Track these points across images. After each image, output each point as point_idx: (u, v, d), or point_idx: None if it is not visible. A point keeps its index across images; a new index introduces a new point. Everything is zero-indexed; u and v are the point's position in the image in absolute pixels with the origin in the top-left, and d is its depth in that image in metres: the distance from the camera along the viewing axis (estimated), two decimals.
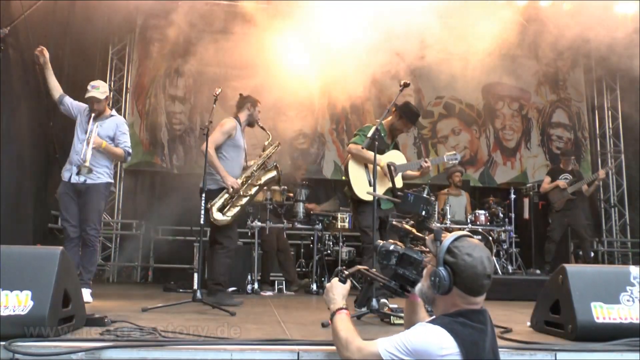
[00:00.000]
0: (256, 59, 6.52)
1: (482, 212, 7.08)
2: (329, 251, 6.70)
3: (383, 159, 4.21)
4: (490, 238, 6.82)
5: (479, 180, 8.80)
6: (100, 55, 7.88)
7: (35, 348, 2.17)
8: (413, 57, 6.23)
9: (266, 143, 4.89)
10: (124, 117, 7.82)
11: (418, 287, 1.98)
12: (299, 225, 6.52)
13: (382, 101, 7.97)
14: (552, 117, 9.19)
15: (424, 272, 1.96)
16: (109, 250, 7.69)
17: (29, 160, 5.83)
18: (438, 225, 6.43)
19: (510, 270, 6.96)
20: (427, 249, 1.95)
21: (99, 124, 4.42)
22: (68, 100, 4.55)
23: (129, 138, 4.63)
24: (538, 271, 7.01)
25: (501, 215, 7.07)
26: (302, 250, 7.32)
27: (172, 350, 2.24)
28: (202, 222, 4.20)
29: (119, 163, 6.35)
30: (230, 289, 5.23)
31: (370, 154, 3.91)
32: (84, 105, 4.54)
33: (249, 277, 6.03)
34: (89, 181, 4.37)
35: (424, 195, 2.47)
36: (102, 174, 4.46)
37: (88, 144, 4.27)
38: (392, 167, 4.16)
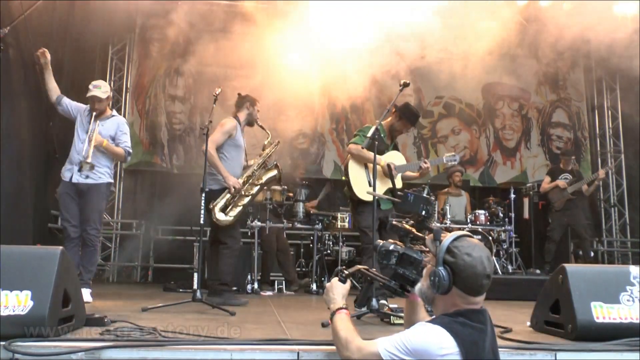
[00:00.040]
0: (256, 59, 6.53)
1: (482, 211, 7.08)
2: (328, 251, 6.70)
3: (382, 160, 4.22)
4: (490, 238, 6.82)
5: (479, 180, 8.80)
6: (100, 55, 7.89)
7: (35, 348, 2.17)
8: (413, 57, 6.23)
9: (266, 142, 4.90)
10: (124, 116, 7.82)
11: (418, 286, 1.98)
12: (299, 225, 6.52)
13: (382, 101, 7.97)
14: (552, 117, 9.19)
15: (424, 271, 1.97)
16: (108, 250, 7.69)
17: (29, 160, 5.83)
18: (438, 225, 6.43)
19: (510, 270, 6.96)
20: (427, 249, 1.96)
21: (101, 123, 4.43)
22: (66, 101, 4.55)
23: (129, 138, 4.64)
24: (538, 271, 7.02)
25: (501, 215, 7.07)
26: (302, 250, 7.32)
27: (172, 350, 2.24)
28: (202, 221, 4.20)
29: (118, 163, 6.36)
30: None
31: (370, 154, 3.91)
32: (83, 106, 4.55)
33: (249, 277, 6.03)
34: (90, 181, 4.37)
35: (424, 195, 2.47)
36: (104, 174, 4.47)
37: (90, 141, 4.28)
38: (391, 167, 4.17)
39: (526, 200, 7.71)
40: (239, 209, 4.57)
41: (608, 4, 6.20)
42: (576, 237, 7.44)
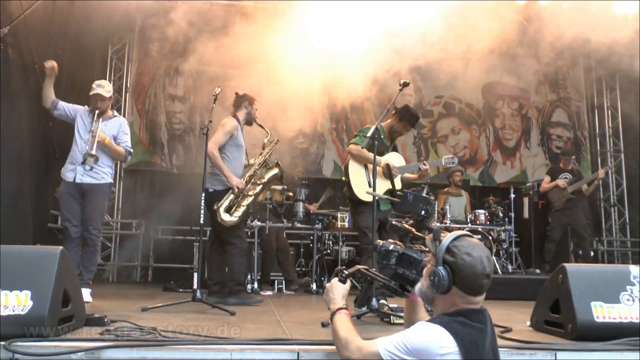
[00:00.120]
0: (256, 58, 6.52)
1: (482, 211, 7.08)
2: (328, 251, 6.70)
3: (382, 161, 4.22)
4: (490, 237, 6.82)
5: (479, 180, 8.79)
6: (100, 54, 7.88)
7: (35, 348, 2.17)
8: (413, 57, 6.22)
9: (265, 141, 4.90)
10: (124, 116, 7.83)
11: (418, 286, 1.98)
12: (299, 225, 6.52)
13: (382, 100, 7.96)
14: (552, 117, 9.19)
15: (424, 271, 1.96)
16: (108, 250, 7.69)
17: (29, 160, 5.82)
18: (438, 224, 6.43)
19: (510, 270, 6.96)
20: (427, 249, 1.96)
21: (104, 123, 4.45)
22: (62, 104, 4.54)
23: (130, 138, 4.67)
24: (538, 270, 7.02)
25: (501, 214, 7.07)
26: (301, 249, 7.32)
27: (171, 350, 2.24)
28: (201, 221, 4.20)
29: (118, 163, 6.36)
30: None
31: (370, 155, 3.92)
32: (80, 107, 4.55)
33: (249, 276, 6.02)
34: (93, 181, 4.40)
35: (423, 194, 2.47)
36: (106, 174, 4.50)
37: (94, 137, 4.30)
38: (391, 168, 4.18)
39: (526, 200, 7.71)
40: (242, 208, 4.57)
41: (608, 3, 6.20)
42: (576, 236, 7.43)
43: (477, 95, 8.97)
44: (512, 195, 7.17)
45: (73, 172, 4.38)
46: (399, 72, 6.11)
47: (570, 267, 2.94)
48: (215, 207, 4.45)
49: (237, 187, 4.52)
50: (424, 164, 4.40)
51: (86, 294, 4.08)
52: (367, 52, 5.83)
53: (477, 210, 7.13)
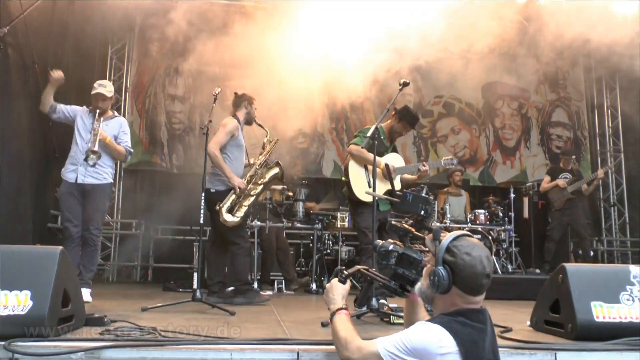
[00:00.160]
0: (256, 58, 6.52)
1: (482, 211, 7.09)
2: (328, 250, 6.70)
3: (382, 161, 4.23)
4: (490, 237, 6.82)
5: (479, 180, 8.79)
6: (100, 54, 7.88)
7: (35, 348, 2.16)
8: (413, 56, 6.22)
9: (265, 140, 4.90)
10: (124, 116, 7.83)
11: (417, 286, 1.98)
12: (299, 225, 6.52)
13: (381, 100, 7.96)
14: (552, 116, 9.19)
15: (424, 271, 1.96)
16: (108, 250, 7.69)
17: (29, 160, 5.83)
18: (437, 224, 6.43)
19: (510, 270, 6.96)
20: (427, 249, 1.95)
21: (105, 122, 4.45)
22: (60, 106, 4.53)
23: (129, 138, 4.69)
24: (538, 270, 7.02)
25: (501, 214, 7.07)
26: (301, 249, 7.32)
27: (171, 350, 2.24)
28: (201, 221, 4.20)
29: (118, 162, 6.36)
30: (230, 289, 5.24)
31: (370, 155, 3.92)
32: (79, 108, 4.54)
33: (249, 276, 6.02)
34: (95, 182, 4.41)
35: (423, 194, 2.46)
36: (108, 175, 4.52)
37: (95, 135, 4.30)
38: (390, 168, 4.18)
39: (526, 200, 7.71)
40: (244, 209, 4.58)
41: (608, 3, 6.20)
42: (576, 236, 7.44)
43: (477, 95, 8.97)
44: (512, 195, 7.18)
45: (74, 173, 4.38)
46: (399, 71, 6.11)
47: (570, 267, 2.94)
48: (218, 207, 4.45)
49: (239, 188, 4.52)
50: (424, 165, 4.41)
51: (86, 293, 4.08)
52: (367, 51, 5.83)
53: (477, 210, 7.14)
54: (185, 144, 8.22)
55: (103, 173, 4.45)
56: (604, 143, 9.16)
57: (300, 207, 6.57)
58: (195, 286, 4.80)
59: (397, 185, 4.32)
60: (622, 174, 8.92)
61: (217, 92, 4.39)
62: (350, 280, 2.21)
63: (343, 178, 4.47)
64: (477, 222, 6.95)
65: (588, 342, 2.61)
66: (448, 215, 6.84)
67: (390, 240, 2.13)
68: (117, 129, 4.56)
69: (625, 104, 8.72)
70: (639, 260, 8.04)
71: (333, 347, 2.07)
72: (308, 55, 6.04)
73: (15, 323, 2.27)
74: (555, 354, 2.40)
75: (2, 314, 2.29)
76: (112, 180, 4.64)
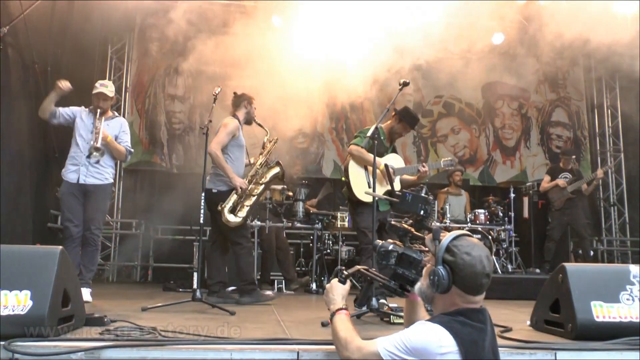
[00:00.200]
0: (255, 58, 6.52)
1: (482, 211, 7.09)
2: (328, 250, 6.70)
3: (382, 162, 4.23)
4: (490, 237, 6.82)
5: (479, 179, 8.80)
6: (100, 54, 7.88)
7: (35, 348, 2.16)
8: (413, 56, 6.22)
9: (265, 140, 4.90)
10: (124, 116, 7.85)
11: (417, 286, 1.98)
12: (299, 225, 6.52)
13: (381, 100, 7.96)
14: (552, 116, 9.19)
15: (423, 271, 1.96)
16: (108, 250, 7.69)
17: (29, 159, 5.83)
18: (437, 224, 6.43)
19: (510, 270, 6.96)
20: (426, 248, 1.95)
21: (106, 122, 4.45)
22: (60, 110, 4.50)
23: (129, 138, 4.69)
24: (538, 270, 7.02)
25: (501, 214, 7.08)
26: (301, 249, 7.32)
27: (171, 350, 2.24)
28: (201, 221, 4.20)
29: (118, 162, 6.37)
30: (230, 288, 5.24)
31: (370, 156, 3.92)
32: (78, 108, 4.53)
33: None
34: (97, 182, 4.42)
35: (422, 194, 2.47)
36: (109, 175, 4.54)
37: (97, 133, 4.31)
38: (390, 169, 4.19)
39: (526, 200, 7.71)
40: (246, 209, 4.58)
41: (608, 3, 6.20)
42: (576, 236, 7.44)
43: (477, 94, 8.97)
44: (512, 195, 7.18)
45: (76, 173, 4.38)
46: (399, 71, 6.11)
47: (570, 266, 2.94)
48: (220, 208, 4.45)
49: (241, 188, 4.52)
50: (423, 166, 4.42)
51: (86, 293, 4.09)
52: (367, 51, 5.83)
53: (477, 210, 7.14)
54: (185, 144, 8.23)
55: (104, 173, 4.47)
56: (603, 143, 9.16)
57: (300, 207, 6.57)
58: (195, 286, 4.80)
59: (397, 186, 4.32)
60: (622, 173, 8.92)
61: (217, 92, 4.38)
62: (350, 280, 2.21)
63: (343, 178, 4.47)
64: (477, 221, 6.95)
65: (588, 341, 2.61)
66: (448, 215, 6.84)
67: (390, 240, 2.13)
68: (118, 129, 4.57)
69: (625, 104, 8.72)
70: (639, 260, 8.04)
71: (333, 347, 2.07)
72: (308, 55, 6.05)
73: (15, 323, 2.27)
74: (555, 353, 2.40)
75: (2, 313, 2.29)
76: (112, 181, 4.66)
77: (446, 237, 1.85)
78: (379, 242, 2.14)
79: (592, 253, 7.33)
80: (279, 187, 6.32)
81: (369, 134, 3.85)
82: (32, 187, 5.92)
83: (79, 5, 6.62)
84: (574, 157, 7.42)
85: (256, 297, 4.53)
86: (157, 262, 7.76)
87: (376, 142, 3.83)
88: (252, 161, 4.90)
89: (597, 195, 8.88)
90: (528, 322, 3.29)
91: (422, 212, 2.38)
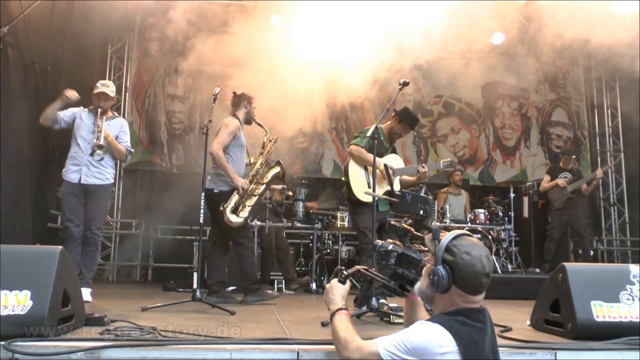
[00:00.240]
0: (255, 58, 6.52)
1: (482, 210, 7.08)
2: (328, 250, 6.70)
3: (381, 162, 4.23)
4: (490, 237, 6.82)
5: (479, 179, 8.80)
6: (99, 54, 7.88)
7: (35, 348, 2.16)
8: (413, 56, 6.22)
9: (265, 139, 4.90)
10: (124, 116, 7.85)
11: (417, 286, 1.98)
12: (299, 225, 6.52)
13: (381, 100, 7.97)
14: (552, 116, 9.19)
15: (423, 271, 1.96)
16: (108, 250, 7.69)
17: (28, 159, 5.83)
18: (437, 224, 6.43)
19: (510, 269, 6.96)
20: (426, 248, 1.95)
21: (107, 122, 4.46)
22: (60, 114, 4.48)
23: (129, 138, 4.70)
24: (538, 270, 7.02)
25: (501, 214, 7.08)
26: (301, 249, 7.32)
27: (171, 349, 2.24)
28: (201, 221, 4.20)
29: (118, 162, 6.37)
30: (230, 288, 5.24)
31: (370, 156, 3.92)
32: (76, 109, 4.53)
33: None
34: (99, 182, 4.43)
35: (422, 194, 2.47)
36: (110, 175, 4.55)
37: (100, 132, 4.31)
38: (390, 169, 4.19)
39: (526, 199, 7.71)
40: (248, 209, 4.58)
41: (608, 3, 6.20)
42: (576, 236, 7.44)
43: (476, 94, 8.97)
44: (512, 195, 7.18)
45: (78, 173, 4.38)
46: (399, 71, 6.11)
47: (570, 266, 2.93)
48: (222, 208, 4.45)
49: (242, 188, 4.53)
50: (423, 167, 4.42)
51: (86, 293, 4.09)
52: (367, 51, 5.83)
53: (476, 210, 7.13)
54: (185, 144, 8.23)
55: (105, 173, 4.48)
56: (603, 143, 9.16)
57: (300, 207, 6.57)
58: (195, 286, 4.81)
59: (397, 187, 4.32)
60: (622, 173, 8.92)
61: (216, 92, 4.38)
62: (350, 280, 2.21)
63: (343, 178, 4.47)
64: (477, 221, 6.95)
65: (588, 341, 2.61)
66: (448, 215, 6.84)
67: (389, 240, 2.13)
68: (119, 129, 4.58)
69: (625, 104, 8.72)
70: (639, 259, 8.04)
71: (333, 347, 2.07)
72: (308, 55, 6.05)
73: (15, 323, 2.27)
74: (555, 353, 2.40)
75: (2, 313, 2.29)
76: (113, 181, 4.67)
77: (446, 237, 1.85)
78: (379, 242, 2.14)
79: (592, 253, 7.33)
80: (279, 186, 6.31)
81: (368, 134, 3.85)
82: (32, 187, 5.92)
83: (79, 5, 6.62)
84: (574, 157, 7.41)
85: (261, 295, 4.55)
86: (157, 262, 7.76)
87: (376, 142, 3.83)
88: (252, 161, 4.90)
89: (597, 195, 8.89)
90: (528, 322, 3.29)
91: (421, 212, 2.38)
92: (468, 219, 6.98)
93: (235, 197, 4.52)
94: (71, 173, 4.40)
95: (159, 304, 3.86)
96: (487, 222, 7.01)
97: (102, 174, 4.45)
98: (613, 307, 2.80)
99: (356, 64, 5.85)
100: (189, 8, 6.60)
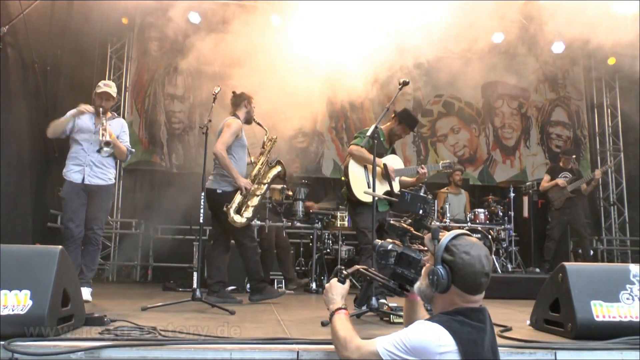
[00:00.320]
0: (255, 57, 6.52)
1: (482, 210, 7.08)
2: (328, 250, 6.70)
3: (381, 162, 4.23)
4: (490, 236, 6.82)
5: (478, 179, 8.80)
6: (99, 54, 7.88)
7: (35, 347, 2.16)
8: (413, 56, 6.22)
9: (265, 139, 4.90)
10: (123, 116, 7.85)
11: (417, 285, 1.98)
12: (298, 224, 6.52)
13: (381, 99, 7.96)
14: (552, 116, 9.19)
15: (423, 270, 1.96)
16: (108, 250, 7.69)
17: (28, 159, 5.83)
18: (437, 223, 6.43)
19: (510, 269, 6.96)
20: (425, 248, 1.95)
21: (108, 122, 4.46)
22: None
23: (129, 138, 4.70)
24: (537, 269, 7.02)
25: (500, 213, 7.07)
26: (301, 249, 7.32)
27: (171, 349, 2.24)
28: (201, 220, 4.20)
29: (118, 162, 6.37)
30: (230, 288, 5.24)
31: (370, 156, 3.92)
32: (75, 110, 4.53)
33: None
34: (101, 182, 4.44)
35: (421, 194, 2.46)
36: (112, 176, 4.57)
37: (104, 130, 4.31)
38: (389, 169, 4.20)
39: (526, 199, 7.72)
40: (251, 209, 4.58)
41: (608, 3, 6.20)
42: (576, 235, 7.44)
43: (476, 94, 8.97)
44: (512, 194, 7.17)
45: (80, 174, 4.37)
46: (399, 71, 6.11)
47: (570, 266, 2.93)
48: (225, 208, 4.45)
49: (245, 188, 4.53)
50: (422, 168, 4.43)
51: (87, 293, 4.09)
52: (367, 50, 5.83)
53: (476, 209, 7.13)
54: (184, 144, 8.22)
55: (108, 174, 4.49)
56: (603, 142, 9.17)
57: (300, 207, 6.57)
58: (195, 285, 4.81)
59: (396, 187, 4.32)
60: (621, 173, 8.92)
61: (216, 92, 4.38)
62: (350, 280, 2.21)
63: (343, 178, 4.47)
64: (477, 221, 6.95)
65: (588, 341, 2.61)
66: (448, 215, 6.84)
67: (389, 240, 2.13)
68: (119, 129, 4.58)
69: (625, 103, 8.73)
70: (639, 259, 8.05)
71: (333, 346, 2.07)
72: (308, 54, 6.05)
73: (14, 323, 2.27)
74: (555, 353, 2.40)
75: (1, 313, 2.29)
76: (114, 181, 4.69)
77: (445, 237, 1.84)
78: (378, 241, 2.14)
79: (591, 252, 7.33)
80: (279, 186, 6.31)
81: (368, 133, 3.85)
82: (32, 187, 5.92)
83: (79, 4, 6.62)
84: (574, 156, 7.42)
85: (268, 293, 4.57)
86: (156, 262, 7.75)
87: (376, 142, 3.83)
88: (252, 160, 4.91)
89: (597, 194, 8.89)
90: (528, 322, 3.29)
91: (421, 212, 2.37)
92: (468, 219, 6.98)
93: (238, 198, 4.52)
94: (74, 173, 4.39)
95: (159, 304, 3.86)
96: (487, 221, 7.01)
97: (105, 174, 4.46)
98: (613, 307, 2.80)
99: (356, 64, 5.85)
100: (188, 8, 6.60)
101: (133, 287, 6.42)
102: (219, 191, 4.52)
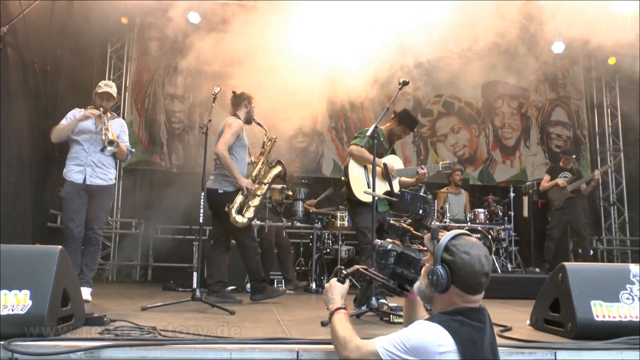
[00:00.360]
0: (255, 57, 6.52)
1: (482, 210, 7.08)
2: (328, 250, 6.70)
3: (381, 162, 4.23)
4: (490, 236, 6.82)
5: (478, 179, 8.80)
6: (99, 54, 7.88)
7: (34, 347, 2.16)
8: (413, 55, 6.22)
9: (265, 139, 4.90)
10: (123, 116, 7.86)
11: (416, 285, 1.98)
12: (298, 224, 6.52)
13: (381, 99, 7.96)
14: (552, 116, 9.19)
15: (422, 270, 1.96)
16: (108, 249, 7.69)
17: (28, 159, 5.83)
18: (437, 223, 6.43)
19: (510, 269, 6.96)
20: (425, 248, 1.95)
21: (109, 122, 4.46)
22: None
23: (128, 138, 4.70)
24: (537, 269, 7.02)
25: (500, 213, 7.07)
26: (301, 248, 7.32)
27: (171, 349, 2.24)
28: (201, 220, 4.20)
29: (118, 162, 6.38)
30: (230, 288, 5.24)
31: (370, 156, 3.93)
32: (75, 111, 4.52)
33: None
34: (102, 183, 4.44)
35: (421, 193, 2.46)
36: (113, 176, 4.57)
37: (107, 129, 4.31)
38: (389, 168, 4.20)
39: (525, 199, 7.72)
40: (252, 209, 4.59)
41: (608, 3, 6.20)
42: (576, 235, 7.44)
43: (476, 94, 8.97)
44: (512, 194, 7.18)
45: (82, 174, 4.37)
46: (399, 70, 6.11)
47: (569, 266, 2.93)
48: (227, 208, 4.46)
49: (247, 188, 4.53)
50: (422, 168, 4.43)
51: (87, 293, 4.09)
52: (367, 50, 5.83)
53: (476, 209, 7.13)
54: (184, 143, 8.22)
55: (108, 174, 4.50)
56: (603, 142, 9.17)
57: (300, 207, 6.57)
58: (195, 285, 4.81)
59: (396, 187, 4.32)
60: (622, 173, 8.92)
61: (216, 91, 4.38)
62: (350, 280, 2.21)
63: (343, 178, 4.47)
64: (477, 221, 6.95)
65: (588, 341, 2.61)
66: (448, 215, 6.84)
67: (389, 240, 2.13)
68: (119, 129, 4.59)
69: (625, 103, 8.73)
70: (639, 259, 8.05)
71: (332, 346, 2.07)
72: (308, 54, 6.05)
73: (14, 323, 2.27)
74: (555, 353, 2.40)
75: (1, 313, 2.29)
76: (115, 182, 4.69)
77: (445, 237, 1.84)
78: (378, 241, 2.14)
79: (591, 252, 7.33)
80: (279, 186, 6.31)
81: (368, 133, 3.86)
82: (32, 187, 5.91)
83: (79, 4, 6.62)
84: (574, 156, 7.42)
85: (269, 293, 4.58)
86: (156, 262, 7.76)
87: (376, 142, 3.83)
88: (252, 160, 4.91)
89: (597, 194, 8.89)
90: (528, 322, 3.29)
91: (421, 212, 2.37)
92: (468, 219, 6.98)
93: (239, 198, 4.52)
94: (75, 173, 4.39)
95: (159, 304, 3.86)
96: (487, 221, 7.01)
97: (106, 174, 4.46)
98: (613, 307, 2.80)
99: (356, 63, 5.85)
100: (188, 7, 6.60)
101: (133, 287, 6.42)
102: (220, 191, 4.52)
